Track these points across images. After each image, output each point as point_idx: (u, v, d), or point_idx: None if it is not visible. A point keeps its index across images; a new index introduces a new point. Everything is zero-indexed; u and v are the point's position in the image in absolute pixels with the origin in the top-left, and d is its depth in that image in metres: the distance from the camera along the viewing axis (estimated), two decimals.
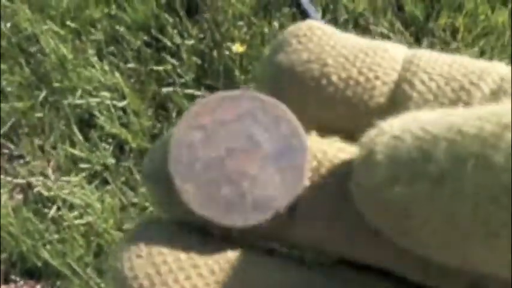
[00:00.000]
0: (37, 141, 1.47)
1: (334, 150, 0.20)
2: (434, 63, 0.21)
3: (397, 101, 0.21)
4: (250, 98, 0.21)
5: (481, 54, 1.50)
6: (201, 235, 0.20)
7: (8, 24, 1.62)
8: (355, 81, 0.21)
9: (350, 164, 0.19)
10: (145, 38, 1.54)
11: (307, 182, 0.20)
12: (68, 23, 1.58)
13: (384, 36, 1.51)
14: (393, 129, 0.17)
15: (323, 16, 1.48)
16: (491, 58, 1.48)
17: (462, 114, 0.16)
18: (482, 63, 0.21)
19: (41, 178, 1.42)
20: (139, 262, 0.19)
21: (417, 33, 1.53)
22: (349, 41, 0.22)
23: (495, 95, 0.20)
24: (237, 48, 1.44)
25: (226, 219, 0.19)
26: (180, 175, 0.20)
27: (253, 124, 0.21)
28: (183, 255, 0.19)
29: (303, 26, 0.23)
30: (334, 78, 0.21)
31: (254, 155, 0.20)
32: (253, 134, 0.20)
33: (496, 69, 0.20)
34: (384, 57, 0.21)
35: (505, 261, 0.14)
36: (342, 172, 0.20)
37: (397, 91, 0.21)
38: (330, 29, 0.23)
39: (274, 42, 0.23)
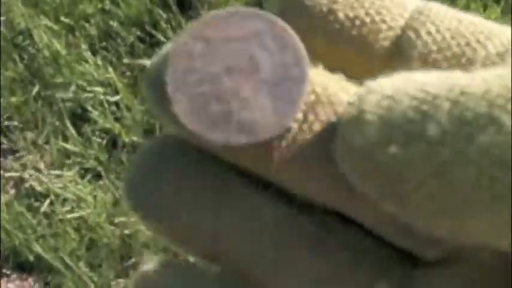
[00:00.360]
0: (30, 136, 1.48)
1: (336, 88, 0.20)
2: (444, 16, 0.21)
3: (401, 47, 0.21)
4: (261, 19, 0.20)
5: None
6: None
7: (3, 19, 1.62)
8: (361, 22, 0.21)
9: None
10: (139, 33, 1.55)
11: (299, 116, 0.20)
12: (62, 18, 1.59)
13: None
14: (384, 89, 0.17)
15: None
16: None
17: (463, 76, 0.16)
18: (492, 25, 0.20)
19: (33, 172, 1.43)
20: None
21: None
22: None
23: (501, 57, 0.20)
24: None
25: (209, 135, 0.19)
26: (174, 83, 0.20)
27: (258, 46, 0.20)
28: None
29: None
30: (340, 15, 0.21)
31: (251, 77, 0.20)
32: (255, 56, 0.20)
33: (505, 32, 0.20)
34: (393, 1, 0.21)
35: (508, 226, 0.14)
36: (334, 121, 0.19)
37: (403, 37, 0.21)
38: None
39: None
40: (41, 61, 1.53)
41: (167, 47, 0.21)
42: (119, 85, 1.47)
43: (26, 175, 1.43)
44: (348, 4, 0.21)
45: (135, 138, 1.42)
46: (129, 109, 1.45)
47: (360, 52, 0.21)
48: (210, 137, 0.19)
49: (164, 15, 1.54)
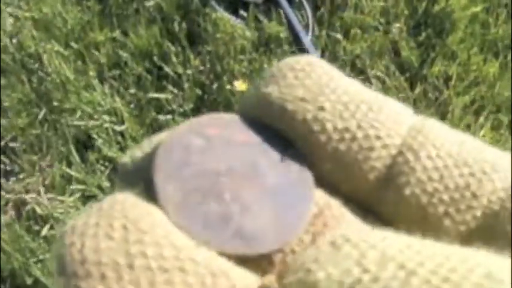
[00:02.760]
0: (33, 159, 1.49)
1: (338, 204, 0.19)
2: (444, 138, 0.19)
3: (397, 171, 0.18)
4: (266, 129, 0.19)
5: (472, 103, 1.55)
6: None
7: (14, 40, 1.64)
8: (351, 135, 0.18)
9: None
10: (147, 64, 1.57)
11: (301, 232, 0.18)
12: (72, 44, 1.61)
13: (380, 80, 1.55)
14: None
15: (322, 56, 1.53)
16: (481, 108, 1.53)
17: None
18: (495, 151, 0.19)
19: (35, 196, 1.44)
20: (109, 245, 0.15)
21: (411, 79, 1.57)
22: (353, 87, 0.20)
23: (506, 191, 0.18)
24: (239, 85, 1.47)
25: (200, 236, 0.17)
26: (164, 172, 0.18)
27: (262, 155, 0.19)
28: (168, 251, 0.16)
29: (302, 59, 0.20)
30: (328, 126, 0.18)
31: (254, 183, 0.18)
32: (259, 164, 0.19)
33: (508, 160, 0.18)
34: (389, 115, 0.19)
35: None
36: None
37: (399, 159, 0.18)
38: (332, 69, 0.20)
39: (268, 72, 0.21)
40: (49, 85, 1.55)
41: (155, 138, 0.20)
42: (125, 115, 1.49)
43: (27, 198, 1.44)
44: (337, 112, 0.19)
45: None
46: (134, 139, 1.47)
47: (345, 170, 0.19)
48: (201, 238, 0.17)
49: (173, 48, 1.56)
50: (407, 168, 0.18)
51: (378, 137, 0.18)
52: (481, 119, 1.51)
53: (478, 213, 0.18)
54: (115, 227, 0.16)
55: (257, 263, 0.17)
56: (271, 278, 0.17)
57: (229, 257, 0.17)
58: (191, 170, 0.18)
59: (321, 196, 0.18)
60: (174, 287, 0.15)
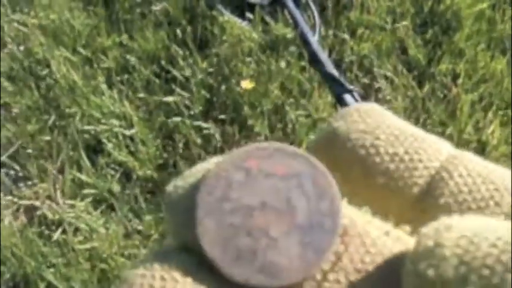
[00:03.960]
0: (44, 164, 1.50)
1: (363, 220, 0.21)
2: (476, 164, 0.23)
3: (433, 186, 0.22)
4: (304, 161, 0.21)
5: (480, 99, 1.54)
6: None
7: (21, 47, 1.65)
8: (400, 158, 0.22)
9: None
10: (155, 68, 1.58)
11: (325, 266, 0.19)
12: (80, 49, 1.62)
13: (387, 79, 1.55)
14: (463, 228, 0.18)
15: (329, 56, 1.53)
16: (489, 104, 1.53)
17: None
18: None
19: (46, 201, 1.45)
20: None
21: (419, 77, 1.58)
22: (403, 125, 0.24)
23: None
24: (246, 85, 1.48)
25: (229, 269, 0.19)
26: (205, 207, 0.19)
27: (297, 188, 0.20)
28: None
29: (366, 104, 0.25)
30: (381, 150, 0.23)
31: (284, 218, 0.20)
32: (292, 198, 0.20)
33: None
34: (430, 145, 0.23)
35: None
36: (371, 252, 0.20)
37: (436, 177, 0.22)
38: (389, 113, 0.25)
39: (337, 112, 0.25)
40: (58, 91, 1.56)
41: (199, 167, 0.21)
42: (135, 119, 1.49)
43: (38, 203, 1.45)
44: (389, 142, 0.23)
45: (148, 172, 1.44)
46: (143, 143, 1.48)
47: (394, 186, 0.22)
48: (230, 272, 0.19)
49: (181, 52, 1.57)
50: (442, 183, 0.22)
51: (421, 160, 0.22)
52: (490, 115, 1.51)
53: (501, 219, 0.21)
54: None
55: None
56: None
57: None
58: (229, 206, 0.19)
59: (347, 215, 0.20)
60: None
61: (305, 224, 0.20)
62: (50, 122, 1.53)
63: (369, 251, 0.20)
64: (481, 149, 1.49)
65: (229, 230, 0.19)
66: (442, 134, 1.49)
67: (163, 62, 1.58)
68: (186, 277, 0.19)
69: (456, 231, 0.18)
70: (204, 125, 1.49)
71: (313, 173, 0.20)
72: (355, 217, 0.20)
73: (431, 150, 0.23)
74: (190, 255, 0.20)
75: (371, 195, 0.22)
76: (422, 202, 0.22)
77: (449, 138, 1.49)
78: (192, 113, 1.51)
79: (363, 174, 0.22)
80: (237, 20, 1.59)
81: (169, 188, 0.21)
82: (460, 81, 1.56)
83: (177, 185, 0.21)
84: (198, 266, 0.19)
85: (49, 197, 1.46)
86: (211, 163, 0.21)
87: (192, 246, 0.20)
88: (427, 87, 1.55)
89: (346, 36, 1.60)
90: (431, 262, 0.17)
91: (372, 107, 0.25)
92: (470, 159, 0.23)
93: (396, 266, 0.19)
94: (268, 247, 0.19)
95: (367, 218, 0.21)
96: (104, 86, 1.55)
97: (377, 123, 0.24)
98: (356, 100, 1.26)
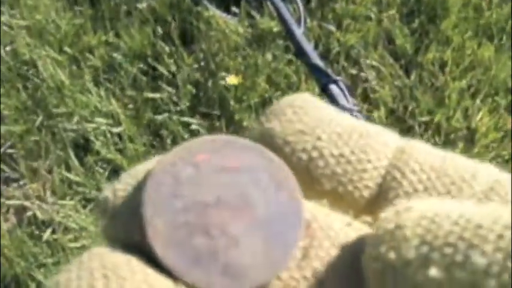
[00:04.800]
0: (33, 165, 1.49)
1: (323, 213, 0.20)
2: (427, 155, 0.21)
3: (386, 187, 0.21)
4: (257, 153, 0.19)
5: (468, 87, 1.54)
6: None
7: (7, 49, 1.64)
8: (346, 160, 0.21)
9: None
10: (142, 66, 1.58)
11: (291, 263, 0.18)
12: (66, 49, 1.62)
13: (375, 69, 1.55)
14: (423, 209, 0.17)
15: (315, 48, 1.52)
16: (478, 91, 1.53)
17: (501, 208, 0.16)
18: (475, 163, 0.21)
19: (36, 201, 1.45)
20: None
21: (407, 66, 1.57)
22: (344, 119, 0.22)
23: (485, 194, 0.20)
24: (231, 80, 1.47)
25: (188, 274, 0.17)
26: (153, 205, 0.18)
27: (253, 182, 0.19)
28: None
29: (298, 98, 0.22)
30: (325, 152, 0.21)
31: (243, 215, 0.18)
32: (249, 192, 0.19)
33: (489, 170, 0.20)
34: (377, 141, 0.21)
35: None
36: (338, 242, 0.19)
37: (387, 177, 0.21)
38: (325, 105, 0.23)
39: (268, 110, 0.23)
40: (45, 91, 1.56)
41: (139, 168, 0.20)
42: (122, 116, 1.49)
43: (28, 203, 1.45)
44: (332, 141, 0.21)
45: None
46: (131, 140, 1.47)
47: (343, 191, 0.21)
48: (190, 277, 0.17)
49: (167, 49, 1.57)
50: (395, 183, 0.20)
51: (369, 161, 0.21)
52: (478, 102, 1.51)
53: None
54: (96, 277, 0.17)
55: None
56: None
57: None
58: (180, 203, 0.18)
59: (307, 209, 0.19)
60: None
61: (266, 219, 0.18)
62: (38, 122, 1.53)
63: (334, 244, 0.19)
64: (470, 137, 1.48)
65: (183, 230, 0.17)
66: (430, 122, 1.49)
67: (149, 59, 1.57)
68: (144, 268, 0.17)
69: (417, 212, 0.17)
70: (192, 120, 1.49)
71: (268, 165, 0.19)
72: (315, 210, 0.20)
73: (378, 146, 0.21)
74: (136, 253, 0.18)
75: (320, 201, 0.21)
76: (374, 205, 0.21)
77: (438, 126, 1.49)
78: (179, 108, 1.51)
79: (308, 180, 0.21)
80: (223, 15, 1.59)
81: (105, 193, 0.20)
82: (447, 69, 1.55)
83: (116, 188, 0.19)
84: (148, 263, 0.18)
85: (39, 197, 1.46)
86: (153, 162, 0.19)
87: (140, 250, 0.18)
88: (414, 76, 1.54)
89: (332, 27, 1.60)
90: (392, 244, 0.16)
91: (305, 101, 0.22)
92: (419, 150, 0.21)
93: (360, 253, 0.18)
94: (229, 246, 0.17)
95: (326, 211, 0.20)
96: (90, 85, 1.55)
97: (315, 121, 0.22)
98: (341, 90, 1.26)
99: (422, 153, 0.21)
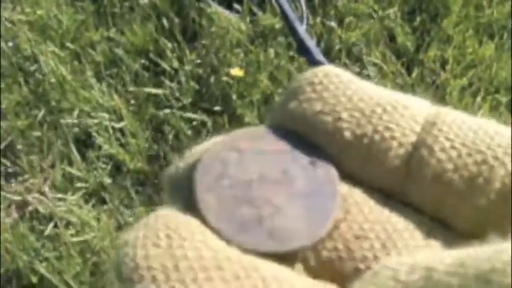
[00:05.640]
0: (35, 160, 1.50)
1: (358, 191, 0.20)
2: (459, 128, 0.20)
3: (413, 165, 0.20)
4: (294, 138, 0.21)
5: (469, 85, 1.55)
6: None
7: (9, 44, 1.64)
8: (369, 139, 0.20)
9: None
10: (144, 61, 1.58)
11: (330, 227, 0.19)
12: (68, 44, 1.62)
13: (376, 66, 1.55)
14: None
15: (317, 45, 1.53)
16: (478, 89, 1.54)
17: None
18: (509, 135, 0.20)
19: (38, 196, 1.45)
20: (157, 252, 0.18)
21: (408, 64, 1.58)
22: (368, 91, 0.21)
23: None
24: (236, 72, 1.48)
25: (237, 238, 0.19)
26: (204, 184, 0.20)
27: (292, 160, 0.20)
28: (206, 253, 0.18)
29: (319, 72, 0.22)
30: (347, 134, 0.20)
31: (284, 188, 0.20)
32: (288, 169, 0.20)
33: None
34: (403, 114, 0.20)
35: None
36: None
37: (415, 155, 0.20)
38: (348, 77, 0.22)
39: (288, 87, 0.22)
40: (47, 86, 1.56)
41: (198, 148, 0.21)
42: (124, 112, 1.49)
43: (29, 198, 1.45)
44: (354, 121, 0.20)
45: (139, 165, 1.44)
46: (133, 136, 1.48)
47: (370, 170, 0.20)
48: (238, 240, 0.19)
49: (169, 44, 1.57)
50: (423, 163, 0.19)
51: (394, 138, 0.20)
52: (479, 99, 1.51)
53: (492, 196, 0.19)
54: (160, 236, 0.18)
55: (284, 257, 0.19)
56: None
57: (264, 255, 0.19)
58: (227, 182, 0.20)
59: (344, 187, 0.20)
60: (214, 281, 0.17)
61: (305, 192, 0.20)
62: (40, 117, 1.53)
63: (368, 219, 0.19)
64: None
65: (231, 203, 0.19)
66: None
67: (151, 55, 1.58)
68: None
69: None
70: (194, 116, 1.49)
71: (304, 147, 0.21)
72: (353, 189, 0.20)
73: (404, 121, 0.20)
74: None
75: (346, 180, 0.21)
76: (403, 187, 0.20)
77: None
78: (181, 104, 1.51)
79: (334, 162, 0.21)
80: (225, 11, 1.59)
81: (171, 169, 0.21)
82: (448, 67, 1.56)
83: (178, 166, 0.21)
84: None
85: (40, 192, 1.46)
86: (210, 143, 0.21)
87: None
88: (415, 74, 1.55)
89: (334, 24, 1.60)
90: None
91: (326, 75, 0.21)
92: (451, 122, 0.20)
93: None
94: (272, 214, 0.19)
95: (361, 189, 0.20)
96: (93, 80, 1.55)
97: (336, 97, 0.21)
98: None
99: (454, 125, 0.20)
